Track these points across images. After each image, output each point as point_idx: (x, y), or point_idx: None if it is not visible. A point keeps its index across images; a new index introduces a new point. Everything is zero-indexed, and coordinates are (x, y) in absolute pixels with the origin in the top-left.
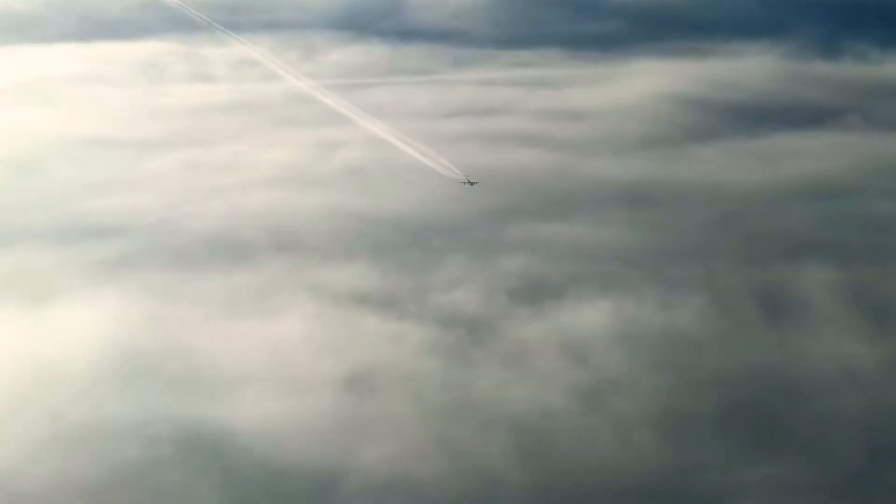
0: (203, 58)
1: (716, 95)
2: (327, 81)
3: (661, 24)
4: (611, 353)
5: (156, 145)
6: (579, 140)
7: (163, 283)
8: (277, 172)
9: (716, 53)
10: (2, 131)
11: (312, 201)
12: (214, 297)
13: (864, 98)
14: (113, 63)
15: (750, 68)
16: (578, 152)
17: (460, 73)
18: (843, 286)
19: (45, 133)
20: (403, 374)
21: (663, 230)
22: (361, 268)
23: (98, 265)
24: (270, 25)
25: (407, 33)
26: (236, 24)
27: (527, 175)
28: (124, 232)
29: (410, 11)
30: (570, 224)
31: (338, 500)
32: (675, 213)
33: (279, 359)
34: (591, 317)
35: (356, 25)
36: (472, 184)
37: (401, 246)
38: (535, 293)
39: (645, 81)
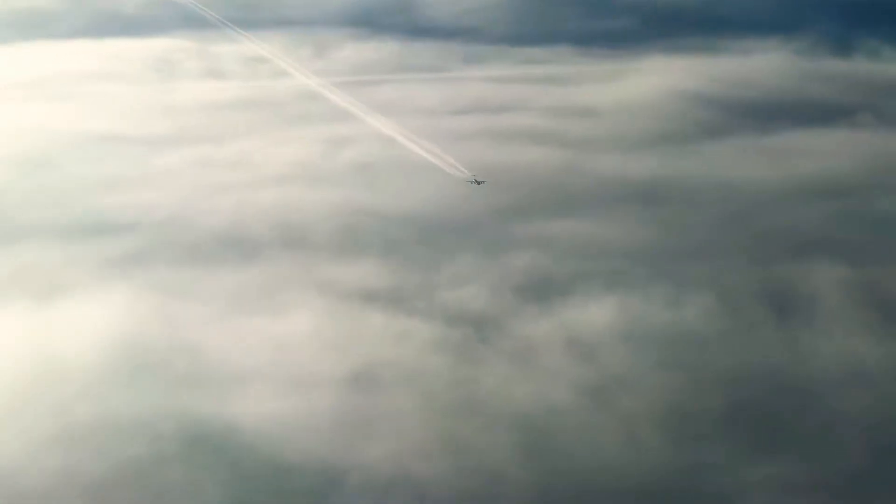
0: (215, 55)
1: (726, 92)
2: (338, 78)
3: (672, 20)
4: (617, 351)
5: (167, 142)
6: (589, 137)
7: (172, 279)
8: (287, 169)
9: (727, 50)
10: (14, 127)
11: (322, 198)
12: (223, 294)
13: (875, 96)
14: (125, 60)
15: (761, 65)
16: (588, 149)
17: (471, 70)
18: (852, 285)
19: (57, 129)
20: (409, 371)
21: (672, 228)
22: (369, 265)
23: (108, 262)
24: (282, 22)
25: (418, 30)
26: (248, 20)
27: (536, 172)
28: (134, 228)
29: (422, 8)
30: (579, 221)
31: (342, 498)
32: (684, 210)
33: (286, 356)
34: (597, 314)
35: (368, 22)
36: (479, 183)
37: (409, 243)
38: (543, 290)
39: (656, 78)
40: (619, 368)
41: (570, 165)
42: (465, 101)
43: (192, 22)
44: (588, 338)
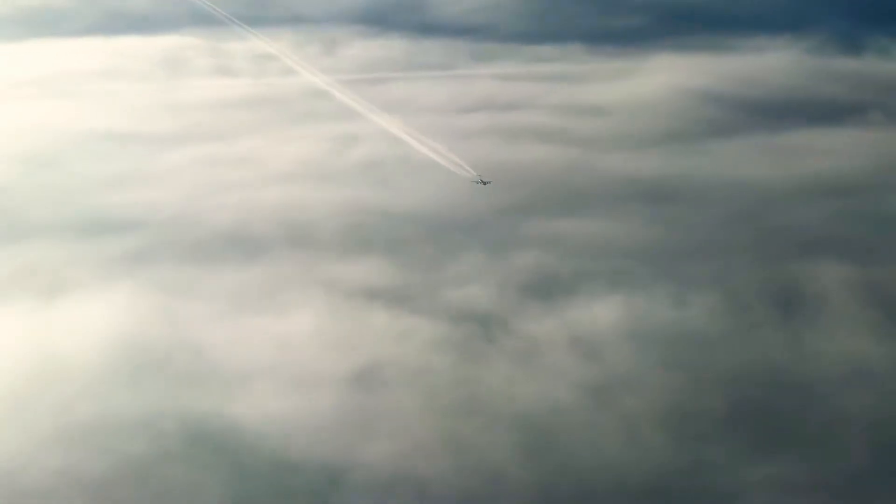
0: (224, 52)
1: (736, 91)
2: (347, 76)
3: (682, 19)
4: (621, 351)
5: (174, 140)
6: (597, 135)
7: (177, 278)
8: (294, 167)
9: (736, 49)
10: (21, 125)
11: (328, 197)
12: (227, 293)
13: (886, 94)
14: (134, 57)
15: (770, 64)
16: (595, 148)
17: (480, 68)
18: (858, 284)
19: (64, 127)
20: (412, 370)
21: (678, 227)
22: (374, 263)
23: (113, 260)
24: (291, 20)
25: (428, 28)
26: (258, 18)
27: (542, 170)
28: (141, 226)
29: (432, 6)
30: (585, 220)
31: (343, 496)
32: (691, 209)
33: (288, 355)
34: (602, 313)
35: (377, 20)
36: (484, 183)
37: (415, 242)
38: (547, 289)
39: (665, 76)
40: (622, 368)
41: (576, 164)
42: (473, 99)
43: (201, 19)
44: (592, 337)
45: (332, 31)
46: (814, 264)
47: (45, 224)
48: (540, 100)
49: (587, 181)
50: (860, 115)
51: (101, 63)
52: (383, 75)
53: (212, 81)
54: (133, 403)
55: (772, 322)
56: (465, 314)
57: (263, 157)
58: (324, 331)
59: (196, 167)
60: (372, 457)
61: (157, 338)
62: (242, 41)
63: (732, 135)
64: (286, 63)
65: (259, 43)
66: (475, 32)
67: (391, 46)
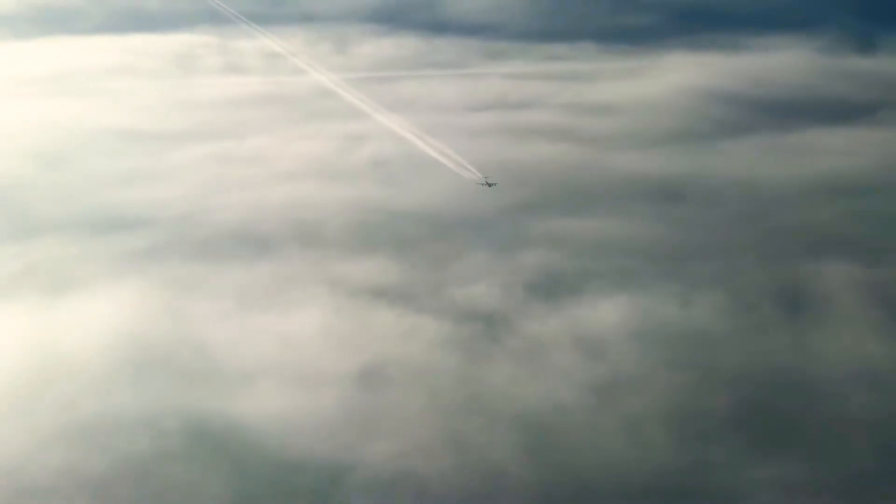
0: (235, 50)
1: (747, 90)
2: (358, 75)
3: (694, 17)
4: (626, 350)
5: (185, 137)
6: (607, 134)
7: (185, 275)
8: (304, 166)
9: (748, 48)
10: (32, 123)
11: (337, 195)
12: (233, 290)
13: None
14: (146, 55)
15: (782, 63)
16: (605, 147)
17: (492, 67)
18: (865, 284)
19: (76, 124)
20: (417, 369)
21: (687, 226)
22: (381, 262)
23: (123, 256)
24: (303, 18)
25: (440, 26)
26: (269, 16)
27: (551, 169)
28: (151, 223)
29: (444, 4)
30: (593, 219)
31: (345, 495)
32: (700, 208)
33: (294, 352)
34: (607, 313)
35: (388, 18)
36: (490, 185)
37: (422, 240)
38: (553, 288)
39: (676, 75)
40: (626, 367)
41: (585, 163)
42: (483, 97)
43: (213, 17)
44: (597, 336)
45: (344, 29)
46: (820, 264)
47: (54, 221)
48: (550, 98)
49: (595, 180)
50: (871, 114)
51: (111, 61)
52: (394, 73)
53: (222, 79)
54: (136, 401)
55: (777, 322)
56: (469, 313)
57: (272, 156)
58: (329, 329)
59: (205, 165)
60: (374, 456)
61: (161, 335)
62: (254, 39)
63: (742, 134)
64: (298, 61)
65: (270, 41)
66: (487, 31)
67: (402, 45)
